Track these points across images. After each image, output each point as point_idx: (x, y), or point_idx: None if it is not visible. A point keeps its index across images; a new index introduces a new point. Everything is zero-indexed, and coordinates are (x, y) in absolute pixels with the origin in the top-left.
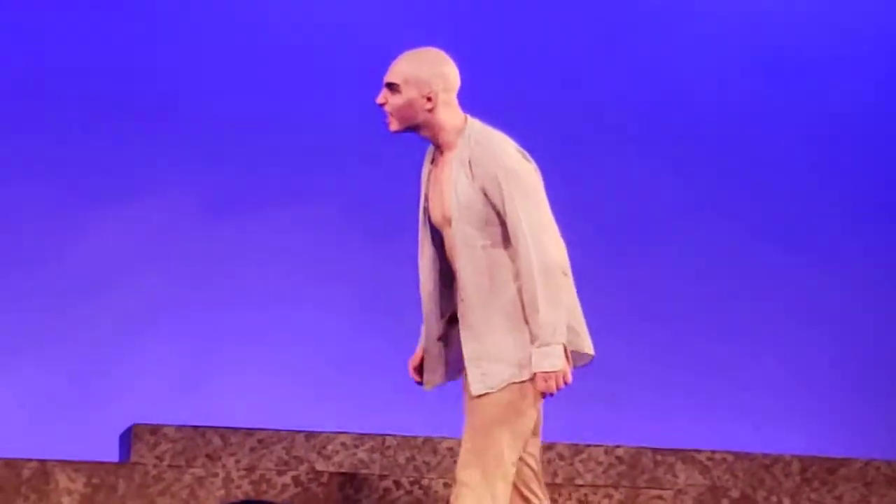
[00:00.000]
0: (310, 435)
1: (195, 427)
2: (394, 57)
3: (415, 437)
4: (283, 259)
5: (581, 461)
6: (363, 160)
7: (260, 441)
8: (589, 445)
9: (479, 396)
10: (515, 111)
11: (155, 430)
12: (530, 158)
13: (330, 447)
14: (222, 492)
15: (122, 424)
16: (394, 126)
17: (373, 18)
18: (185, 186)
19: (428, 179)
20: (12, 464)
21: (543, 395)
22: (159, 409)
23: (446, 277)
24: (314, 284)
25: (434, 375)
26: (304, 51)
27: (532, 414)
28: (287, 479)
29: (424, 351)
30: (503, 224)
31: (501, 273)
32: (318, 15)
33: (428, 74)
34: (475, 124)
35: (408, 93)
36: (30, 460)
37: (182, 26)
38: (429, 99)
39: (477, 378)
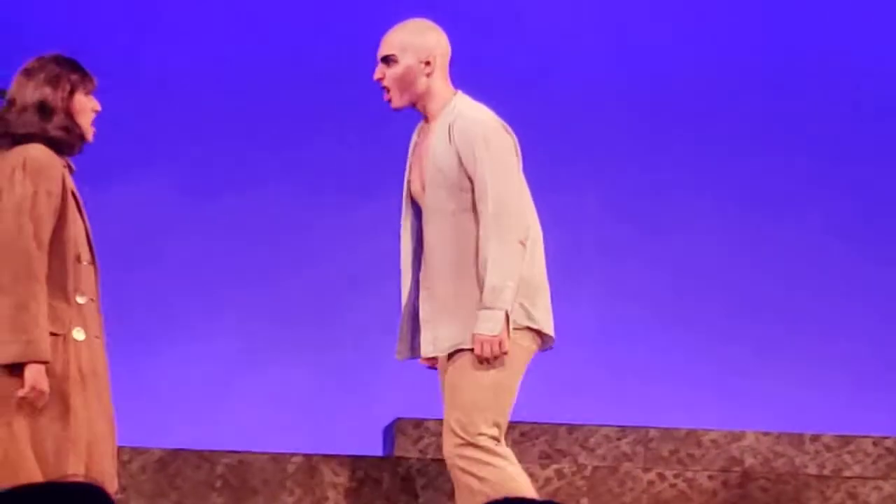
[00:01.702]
0: (572, 428)
1: None
2: None
3: (677, 429)
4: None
5: (849, 452)
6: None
7: (522, 434)
8: (857, 436)
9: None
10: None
11: (418, 423)
12: (511, 132)
13: (592, 440)
14: None
15: (386, 419)
16: (396, 101)
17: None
18: None
19: (413, 152)
20: (278, 458)
21: (480, 359)
22: (422, 403)
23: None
24: (578, 278)
25: (405, 347)
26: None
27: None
28: (550, 472)
29: (401, 321)
30: (474, 191)
31: (468, 240)
32: None
33: (424, 40)
34: (462, 96)
35: (406, 60)
36: (295, 454)
37: None
38: (427, 63)
39: (428, 341)
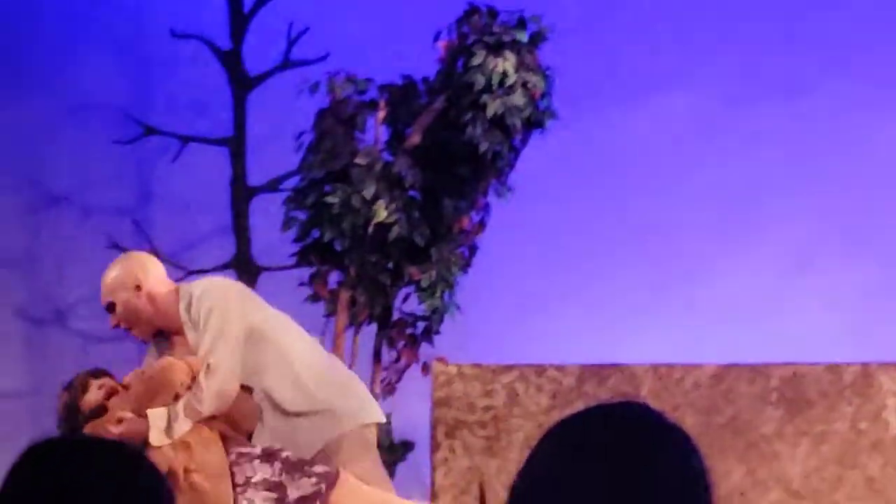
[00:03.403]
0: None
1: None
2: None
3: None
4: None
5: None
6: None
7: None
8: None
9: None
10: None
11: None
12: None
13: None
14: None
15: None
16: (141, 335)
17: None
18: None
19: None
20: (834, 369)
21: None
22: None
23: None
24: None
25: None
26: None
27: None
28: None
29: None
30: None
31: None
32: None
33: (123, 273)
34: (184, 286)
35: (120, 297)
36: (851, 364)
37: None
38: (138, 287)
39: None
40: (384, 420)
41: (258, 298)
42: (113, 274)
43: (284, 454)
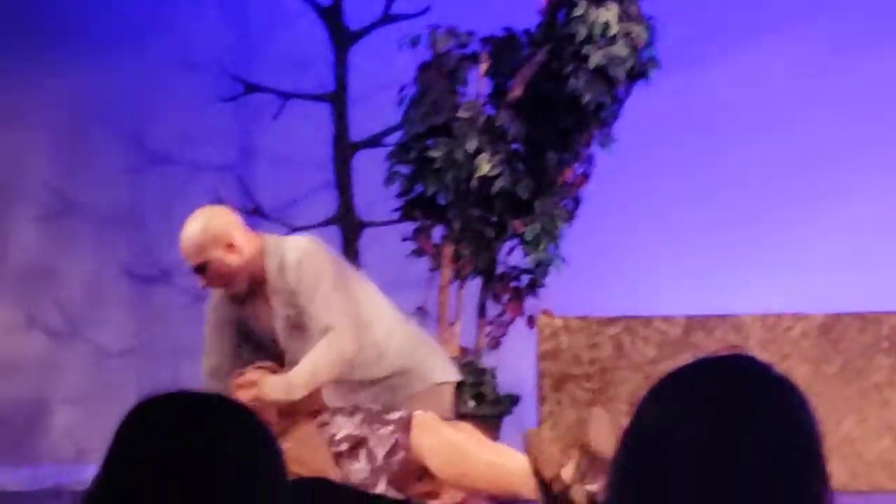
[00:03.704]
0: None
1: None
2: None
3: None
4: None
5: None
6: None
7: None
8: None
9: None
10: None
11: None
12: None
13: None
14: None
15: None
16: (232, 291)
17: None
18: None
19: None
20: None
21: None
22: None
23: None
24: None
25: None
26: None
27: None
28: None
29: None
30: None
31: None
32: None
33: (214, 230)
34: (271, 242)
35: (212, 255)
36: None
37: None
38: (230, 246)
39: None
40: (458, 378)
41: (343, 262)
42: (199, 231)
43: (367, 406)
